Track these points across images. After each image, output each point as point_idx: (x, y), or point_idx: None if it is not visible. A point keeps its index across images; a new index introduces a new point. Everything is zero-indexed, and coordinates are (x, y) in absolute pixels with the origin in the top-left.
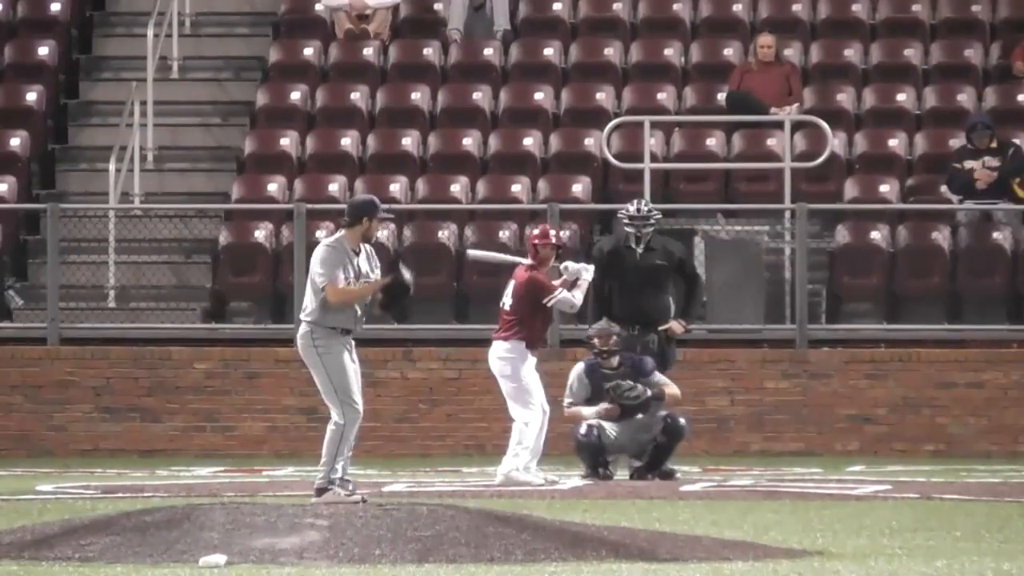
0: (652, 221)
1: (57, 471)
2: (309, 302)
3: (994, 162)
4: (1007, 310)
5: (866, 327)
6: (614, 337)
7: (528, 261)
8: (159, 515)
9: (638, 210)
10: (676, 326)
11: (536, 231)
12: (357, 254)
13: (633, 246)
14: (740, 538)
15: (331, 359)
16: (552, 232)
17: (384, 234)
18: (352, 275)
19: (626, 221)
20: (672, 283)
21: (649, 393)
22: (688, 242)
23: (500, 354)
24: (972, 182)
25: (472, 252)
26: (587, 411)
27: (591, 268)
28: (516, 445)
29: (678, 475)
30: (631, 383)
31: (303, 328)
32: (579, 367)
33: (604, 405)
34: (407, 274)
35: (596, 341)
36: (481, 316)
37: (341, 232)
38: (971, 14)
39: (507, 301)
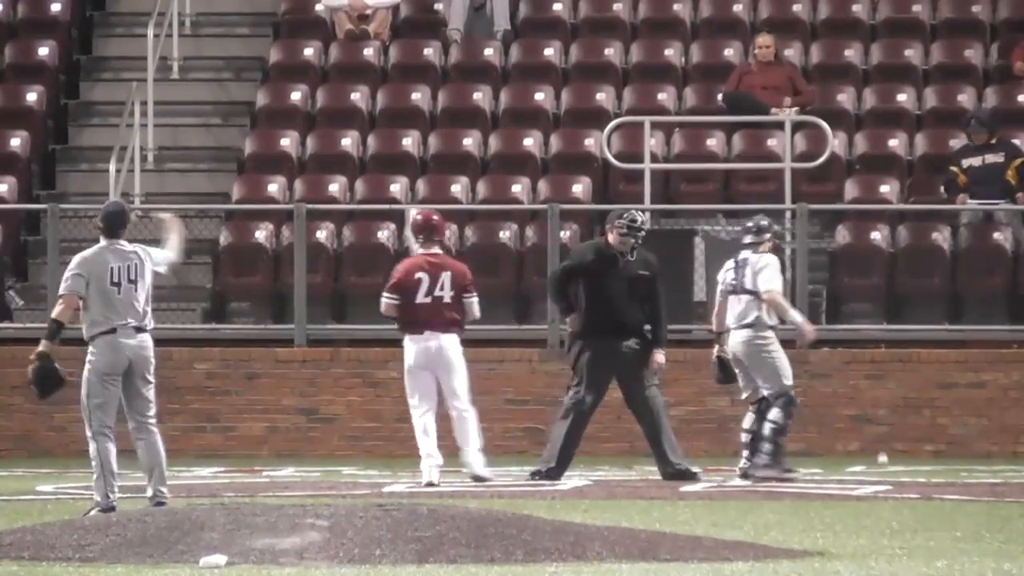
0: (643, 232)
1: (58, 471)
2: None
3: (995, 158)
4: (1008, 310)
5: (866, 327)
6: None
7: None
8: (159, 516)
9: (642, 222)
10: (660, 357)
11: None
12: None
13: (622, 255)
14: (740, 538)
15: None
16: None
17: (384, 235)
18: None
19: (624, 231)
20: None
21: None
22: (687, 243)
23: (456, 346)
24: (961, 184)
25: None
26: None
27: None
28: (478, 437)
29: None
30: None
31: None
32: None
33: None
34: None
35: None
36: (481, 316)
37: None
38: (971, 14)
39: (448, 293)
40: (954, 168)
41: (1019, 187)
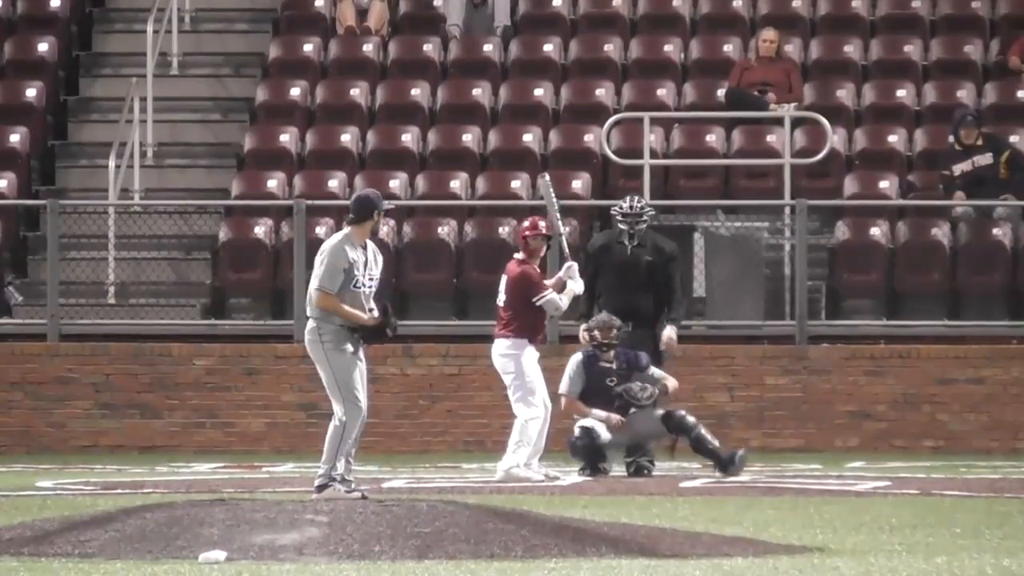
0: (645, 218)
1: (57, 467)
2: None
3: (984, 159)
4: (1007, 306)
5: (866, 323)
6: (615, 331)
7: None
8: (159, 511)
9: (631, 207)
10: (672, 343)
11: (526, 223)
12: (364, 250)
13: (624, 242)
14: (740, 534)
15: (337, 355)
16: (541, 223)
17: (384, 230)
18: (360, 273)
19: (619, 217)
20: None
21: (657, 391)
22: (687, 239)
23: (502, 351)
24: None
25: (543, 182)
26: (595, 412)
27: (581, 285)
28: (516, 442)
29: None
30: (642, 385)
31: (311, 324)
32: (576, 357)
33: (613, 417)
34: (394, 320)
35: (597, 334)
36: (481, 312)
37: (348, 230)
38: (971, 10)
39: (502, 296)
40: (946, 173)
41: (1010, 177)
